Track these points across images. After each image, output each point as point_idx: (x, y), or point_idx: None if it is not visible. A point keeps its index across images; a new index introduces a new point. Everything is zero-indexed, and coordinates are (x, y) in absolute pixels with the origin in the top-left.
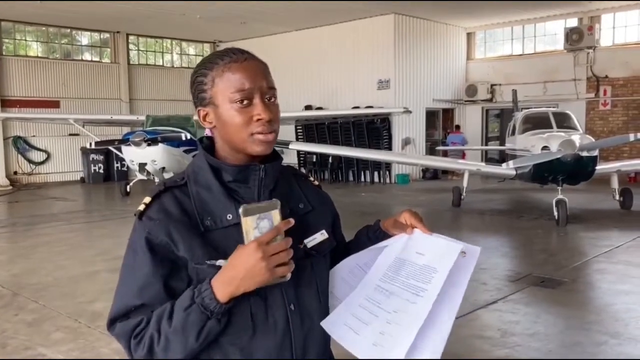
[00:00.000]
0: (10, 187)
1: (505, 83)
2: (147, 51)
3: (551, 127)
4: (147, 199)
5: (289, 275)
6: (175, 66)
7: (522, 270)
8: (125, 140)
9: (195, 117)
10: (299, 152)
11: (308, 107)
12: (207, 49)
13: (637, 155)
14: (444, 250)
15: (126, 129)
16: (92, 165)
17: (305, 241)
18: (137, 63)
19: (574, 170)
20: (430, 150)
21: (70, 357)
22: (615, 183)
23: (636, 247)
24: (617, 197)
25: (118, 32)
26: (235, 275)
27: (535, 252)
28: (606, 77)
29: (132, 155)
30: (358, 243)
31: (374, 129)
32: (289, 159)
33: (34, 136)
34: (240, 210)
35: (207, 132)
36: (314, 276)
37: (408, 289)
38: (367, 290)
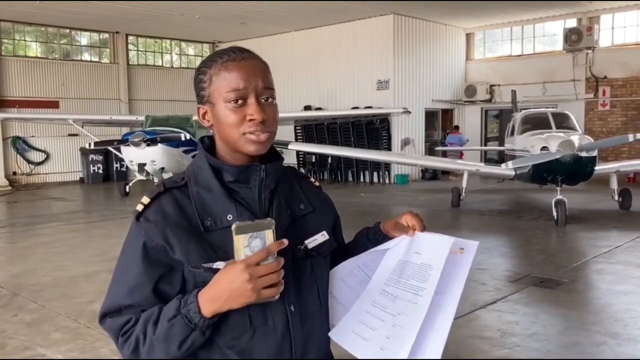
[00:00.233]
0: (10, 188)
1: (504, 83)
2: (146, 51)
3: (550, 128)
4: (146, 200)
5: (277, 296)
6: (174, 66)
7: (522, 271)
8: (124, 141)
9: (195, 117)
10: (298, 152)
11: (307, 108)
12: (206, 50)
13: (636, 155)
14: (436, 245)
15: (125, 129)
16: (91, 165)
17: (306, 242)
18: (136, 63)
19: (573, 170)
20: (430, 151)
21: (70, 357)
22: (614, 183)
23: (635, 248)
24: (616, 197)
25: (117, 32)
26: (219, 295)
27: (535, 253)
28: (605, 77)
29: (132, 155)
30: (357, 245)
31: (373, 130)
32: (288, 159)
33: (33, 136)
34: (233, 227)
35: (211, 132)
36: (315, 277)
37: (409, 290)
38: (373, 295)
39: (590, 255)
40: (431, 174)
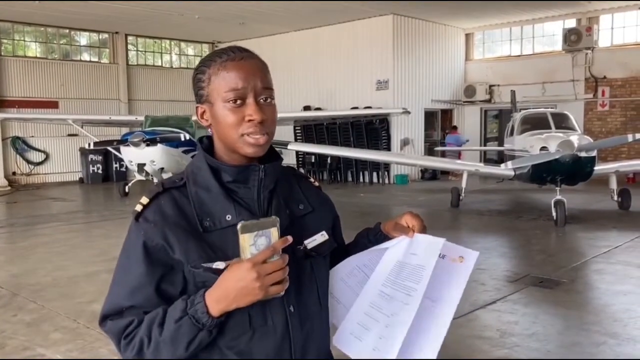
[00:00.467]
0: (9, 188)
1: (503, 84)
2: (145, 51)
3: (550, 128)
4: (145, 200)
5: (282, 292)
6: (174, 67)
7: (521, 271)
8: (124, 141)
9: (195, 117)
10: (297, 152)
11: (307, 108)
12: (205, 50)
13: (636, 155)
14: (429, 246)
15: (125, 130)
16: (90, 165)
17: (306, 242)
18: (135, 63)
19: (572, 170)
20: (429, 151)
21: (69, 358)
22: (613, 183)
23: (635, 248)
24: (616, 197)
25: (117, 32)
26: (227, 294)
27: (534, 253)
28: (604, 77)
29: (131, 155)
30: (358, 246)
31: (372, 130)
32: (288, 159)
33: (32, 137)
34: (238, 226)
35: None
36: (314, 277)
37: (403, 291)
38: (371, 296)
39: (589, 256)
40: (430, 174)
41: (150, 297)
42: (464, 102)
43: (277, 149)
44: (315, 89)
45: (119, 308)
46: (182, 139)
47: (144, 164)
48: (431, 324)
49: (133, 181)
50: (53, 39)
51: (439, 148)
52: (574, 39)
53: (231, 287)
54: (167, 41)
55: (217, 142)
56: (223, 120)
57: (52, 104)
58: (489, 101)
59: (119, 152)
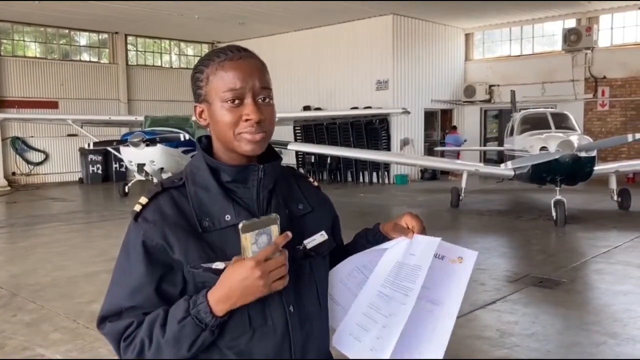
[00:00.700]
0: (9, 188)
1: (503, 84)
2: (145, 52)
3: (549, 128)
4: (144, 200)
5: (282, 287)
6: (173, 67)
7: (521, 271)
8: (123, 141)
9: (194, 117)
10: (297, 152)
11: (306, 108)
12: (205, 50)
13: (636, 155)
14: (426, 246)
15: (125, 130)
16: (90, 165)
17: (305, 242)
18: (135, 64)
19: (572, 170)
20: (429, 151)
21: (69, 358)
22: (613, 183)
23: (634, 248)
24: (615, 197)
25: (116, 32)
26: (231, 293)
27: (534, 253)
28: (604, 77)
29: (131, 155)
30: (357, 246)
31: (372, 130)
32: (288, 159)
33: (32, 137)
34: (240, 226)
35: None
36: (314, 277)
37: (401, 291)
38: (370, 297)
39: (589, 256)
40: (430, 174)
41: (151, 298)
42: (464, 102)
43: (276, 149)
44: (315, 89)
45: (119, 309)
46: (182, 139)
47: (144, 164)
48: (434, 326)
49: (133, 181)
50: (53, 39)
51: (439, 148)
52: (574, 39)
53: (235, 286)
54: (167, 41)
55: (215, 141)
56: (221, 119)
57: (52, 104)
58: (488, 101)
59: (119, 152)
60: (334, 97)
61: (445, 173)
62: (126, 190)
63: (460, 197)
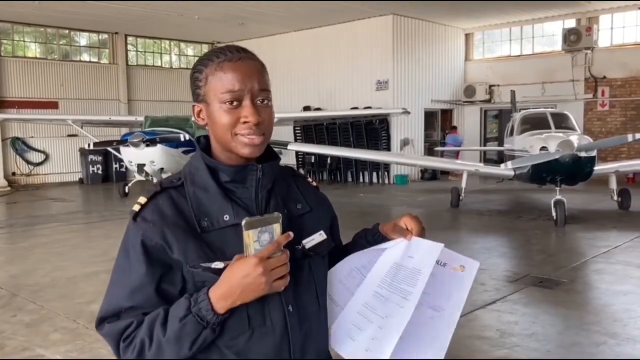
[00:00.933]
0: (9, 188)
1: (503, 84)
2: (145, 52)
3: (549, 128)
4: (142, 199)
5: (283, 287)
6: (173, 67)
7: (521, 271)
8: (123, 141)
9: (194, 118)
10: (297, 153)
11: (306, 108)
12: (205, 50)
13: (635, 155)
14: (427, 250)
15: (125, 130)
16: (90, 166)
17: (304, 242)
18: (135, 64)
19: (572, 170)
20: (429, 151)
21: (69, 358)
22: (613, 183)
23: (634, 248)
24: (615, 197)
25: (116, 32)
26: (233, 290)
27: (534, 253)
28: (604, 77)
29: (131, 156)
30: (356, 246)
31: (372, 130)
32: (288, 159)
33: (32, 137)
34: (243, 223)
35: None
36: (312, 277)
37: (398, 293)
38: (366, 296)
39: (589, 256)
40: (430, 174)
41: (150, 297)
42: (464, 102)
43: (276, 149)
44: (315, 89)
45: (119, 309)
46: (182, 139)
47: (144, 165)
48: (435, 332)
49: (133, 181)
50: (53, 39)
51: (439, 148)
52: (574, 39)
53: (237, 284)
54: (167, 41)
55: (213, 142)
56: (219, 120)
57: (52, 105)
58: (488, 101)
59: (119, 152)
60: (334, 97)
61: (445, 173)
62: (126, 190)
63: (460, 197)
